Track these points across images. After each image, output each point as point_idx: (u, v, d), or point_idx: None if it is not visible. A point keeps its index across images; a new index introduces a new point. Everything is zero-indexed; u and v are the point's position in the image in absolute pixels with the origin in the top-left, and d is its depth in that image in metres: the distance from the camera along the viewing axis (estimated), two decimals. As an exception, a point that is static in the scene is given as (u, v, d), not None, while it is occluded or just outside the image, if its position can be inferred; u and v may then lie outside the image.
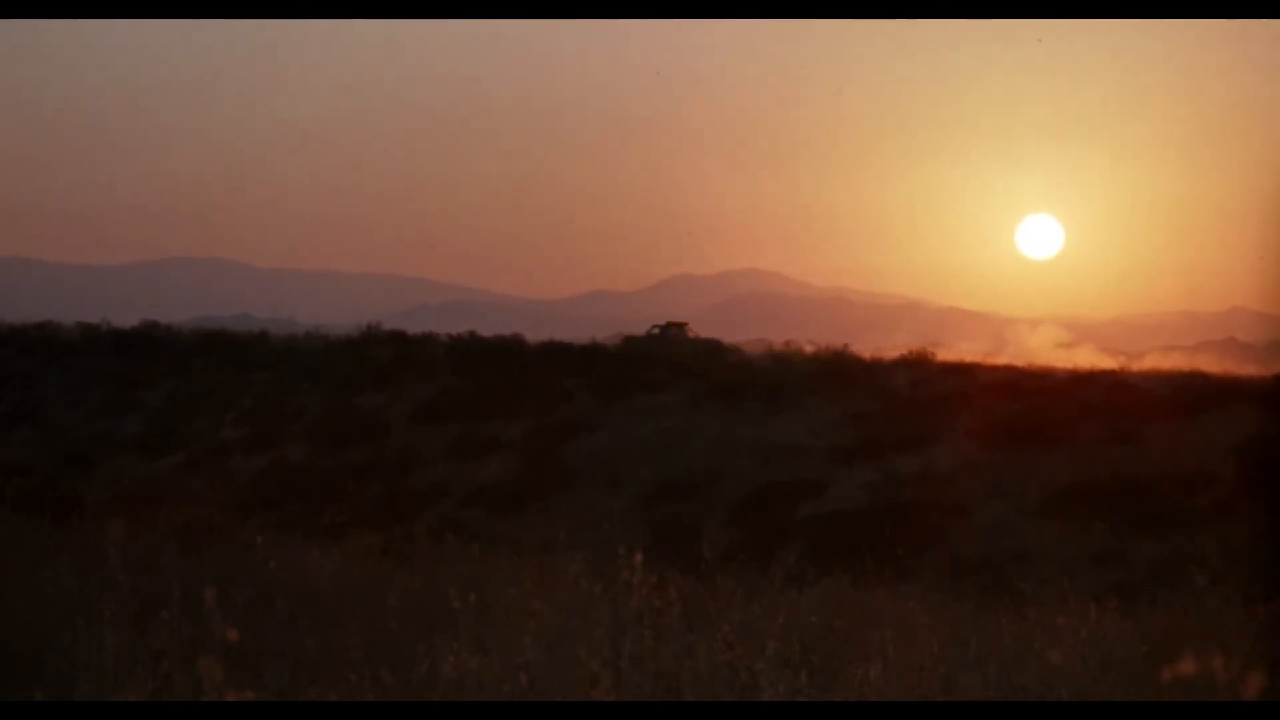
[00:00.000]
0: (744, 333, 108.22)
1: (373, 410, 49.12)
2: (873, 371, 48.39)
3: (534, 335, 61.57)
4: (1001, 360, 55.23)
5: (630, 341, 63.18)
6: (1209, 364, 59.68)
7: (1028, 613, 13.77)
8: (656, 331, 63.95)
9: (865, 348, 55.34)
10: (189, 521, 21.86)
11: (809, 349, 56.09)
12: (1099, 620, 11.19)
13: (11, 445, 50.08)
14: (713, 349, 58.46)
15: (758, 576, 18.37)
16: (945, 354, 53.78)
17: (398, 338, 60.58)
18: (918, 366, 48.48)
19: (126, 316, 75.77)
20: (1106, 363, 54.31)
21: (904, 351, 50.82)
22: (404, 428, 47.41)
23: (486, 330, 65.97)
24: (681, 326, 64.32)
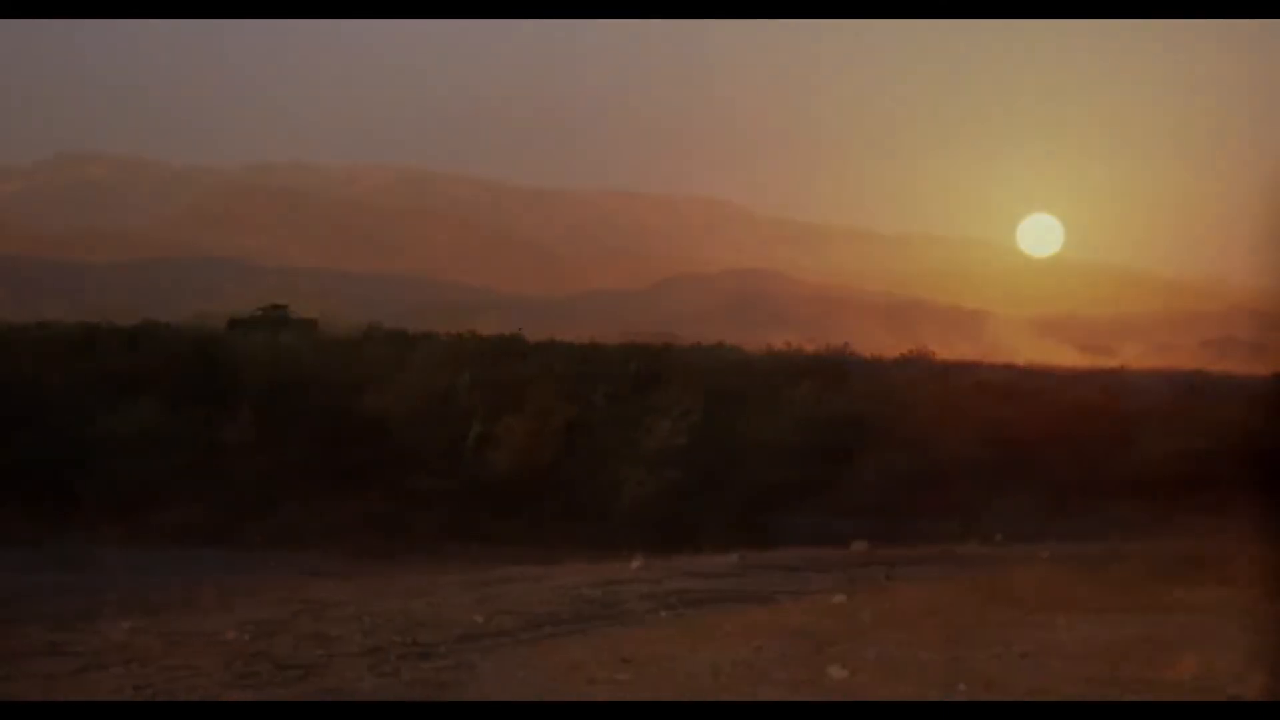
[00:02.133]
0: (744, 332, 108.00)
1: (373, 410, 49.03)
2: (872, 371, 48.34)
3: (534, 335, 61.61)
4: (1001, 359, 55.32)
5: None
6: (1209, 363, 59.81)
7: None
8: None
9: (865, 347, 55.34)
10: (189, 522, 21.87)
11: (809, 348, 56.02)
12: (1099, 620, 11.18)
13: (11, 445, 49.93)
14: (713, 349, 58.40)
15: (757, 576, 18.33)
16: (945, 353, 53.83)
17: (398, 338, 60.51)
18: (917, 366, 48.47)
19: (126, 316, 75.65)
20: (1106, 361, 54.40)
21: (903, 351, 50.84)
22: (404, 428, 47.32)
23: (487, 330, 65.96)
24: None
